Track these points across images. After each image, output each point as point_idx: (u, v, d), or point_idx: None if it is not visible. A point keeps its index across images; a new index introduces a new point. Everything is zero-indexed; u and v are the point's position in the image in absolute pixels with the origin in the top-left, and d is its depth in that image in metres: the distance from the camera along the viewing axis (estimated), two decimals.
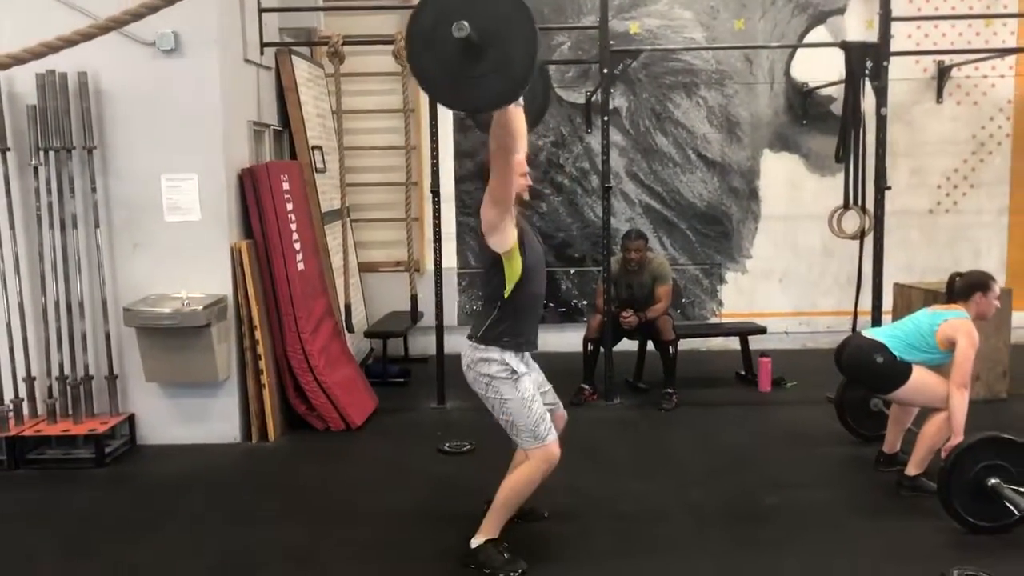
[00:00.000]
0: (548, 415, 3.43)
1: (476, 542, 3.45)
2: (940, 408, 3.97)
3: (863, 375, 4.26)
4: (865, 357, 4.12)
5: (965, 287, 4.15)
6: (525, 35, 2.52)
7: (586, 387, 5.88)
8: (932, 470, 4.01)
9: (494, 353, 3.33)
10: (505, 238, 3.21)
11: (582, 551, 3.64)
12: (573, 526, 3.89)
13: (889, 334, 4.18)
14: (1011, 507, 3.58)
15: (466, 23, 2.42)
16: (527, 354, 3.48)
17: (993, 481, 3.63)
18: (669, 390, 5.76)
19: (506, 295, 3.31)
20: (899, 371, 4.03)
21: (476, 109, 3.77)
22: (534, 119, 3.83)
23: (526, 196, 3.43)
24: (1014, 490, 3.60)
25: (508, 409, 3.35)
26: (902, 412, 4.38)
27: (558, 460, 3.43)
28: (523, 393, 3.34)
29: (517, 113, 3.10)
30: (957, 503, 3.68)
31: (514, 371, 3.34)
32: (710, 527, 3.85)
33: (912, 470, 4.08)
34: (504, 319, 3.33)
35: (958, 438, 3.78)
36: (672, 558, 3.58)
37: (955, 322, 4.00)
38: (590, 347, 5.88)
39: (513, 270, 3.28)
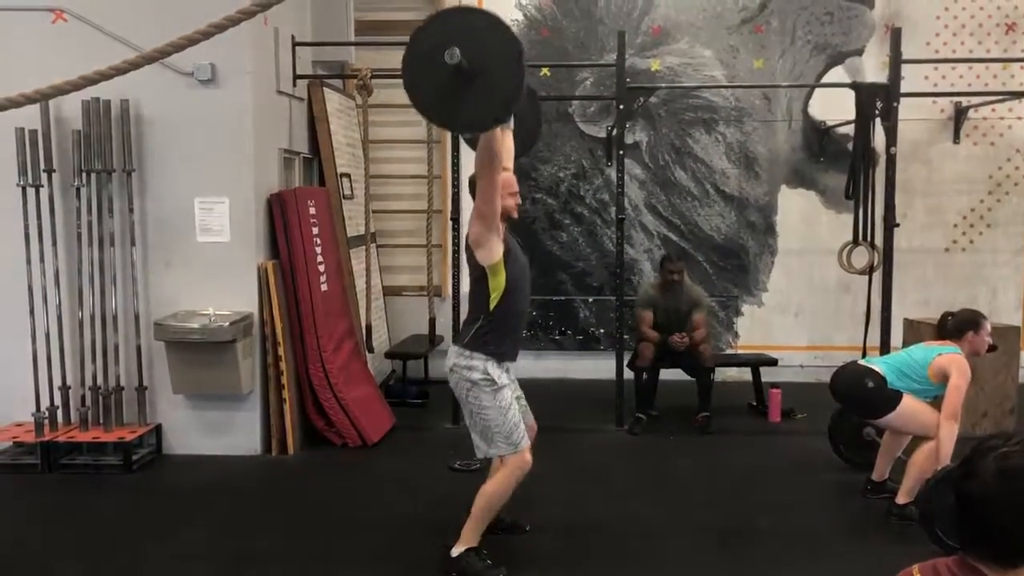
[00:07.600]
0: (523, 423, 3.60)
1: (457, 551, 3.58)
2: (930, 436, 4.08)
3: (854, 400, 4.36)
4: (857, 382, 4.24)
5: (957, 325, 4.27)
6: (511, 66, 2.80)
7: (643, 416, 6.03)
8: None
9: (478, 361, 3.51)
10: (491, 253, 3.43)
11: (574, 564, 3.79)
12: (569, 541, 4.04)
13: (883, 361, 4.33)
14: None
15: (457, 50, 2.70)
16: (508, 364, 3.65)
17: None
18: (707, 413, 5.98)
19: (491, 307, 3.50)
20: (889, 397, 4.14)
21: (462, 129, 3.99)
22: (524, 144, 4.08)
23: (514, 214, 3.60)
24: None
25: (486, 416, 3.52)
26: (893, 441, 4.47)
27: (530, 467, 3.58)
28: (501, 402, 3.51)
29: (501, 136, 3.29)
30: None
31: (494, 381, 3.50)
32: (703, 546, 3.98)
33: (902, 499, 4.16)
34: (488, 330, 3.52)
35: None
36: (661, 574, 3.71)
37: (949, 356, 4.13)
38: (644, 376, 6.00)
39: (497, 283, 3.48)
